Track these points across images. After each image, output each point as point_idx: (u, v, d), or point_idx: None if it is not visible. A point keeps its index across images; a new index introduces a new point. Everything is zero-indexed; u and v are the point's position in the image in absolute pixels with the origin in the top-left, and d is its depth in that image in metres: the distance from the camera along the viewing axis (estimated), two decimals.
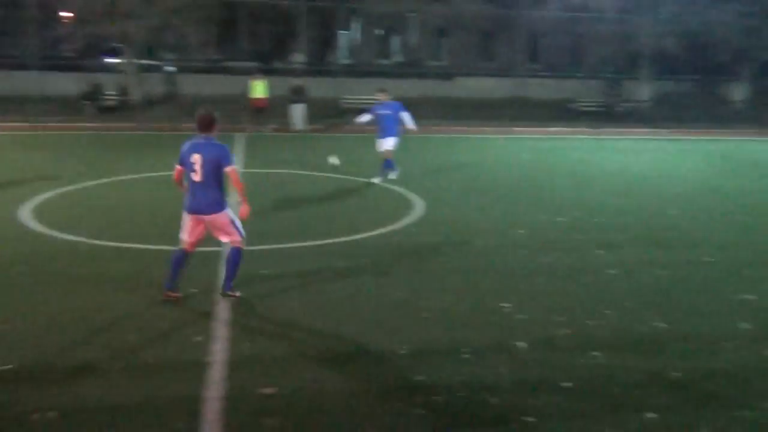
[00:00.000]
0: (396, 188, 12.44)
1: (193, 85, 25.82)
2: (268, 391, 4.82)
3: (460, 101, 27.52)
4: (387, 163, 13.05)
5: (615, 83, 29.25)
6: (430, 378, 5.10)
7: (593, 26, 27.81)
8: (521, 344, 5.77)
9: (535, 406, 4.73)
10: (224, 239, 6.57)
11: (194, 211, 6.35)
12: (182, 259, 6.50)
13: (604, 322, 6.30)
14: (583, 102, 27.02)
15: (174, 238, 6.80)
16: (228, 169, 6.28)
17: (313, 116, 22.39)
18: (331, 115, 23.79)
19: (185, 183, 6.39)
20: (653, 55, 27.61)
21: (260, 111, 21.24)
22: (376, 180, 13.02)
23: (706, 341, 5.90)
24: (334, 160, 13.19)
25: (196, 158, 6.17)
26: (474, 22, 37.98)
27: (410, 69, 32.99)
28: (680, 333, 6.06)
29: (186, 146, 6.32)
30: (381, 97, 13.26)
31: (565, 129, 23.86)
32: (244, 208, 6.54)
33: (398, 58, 40.76)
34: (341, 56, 35.17)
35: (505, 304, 6.67)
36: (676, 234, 9.61)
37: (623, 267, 7.99)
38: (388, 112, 13.06)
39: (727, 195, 12.74)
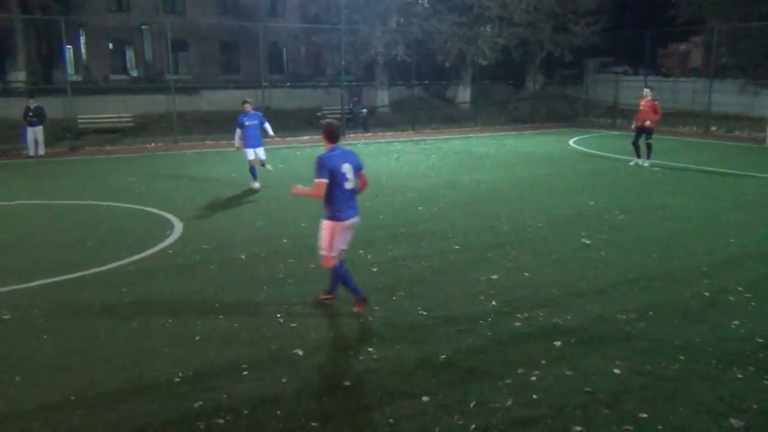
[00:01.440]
0: (150, 209, 11.79)
1: None
2: None
3: (208, 114, 26.91)
4: (252, 170, 14.01)
5: (355, 91, 30.76)
6: (210, 402, 4.93)
7: (329, 36, 28.96)
8: (298, 352, 5.83)
9: (318, 410, 4.81)
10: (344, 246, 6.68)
11: (352, 216, 6.47)
12: (344, 269, 6.61)
13: (372, 318, 6.60)
14: (328, 110, 28.00)
15: None
16: (363, 172, 6.59)
17: (46, 139, 20.33)
18: (69, 137, 21.82)
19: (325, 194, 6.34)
20: (386, 62, 29.54)
21: None
22: (256, 185, 13.96)
23: (464, 322, 6.46)
24: (255, 185, 12.88)
25: (347, 167, 6.30)
26: (213, 34, 37.44)
27: (150, 84, 31.46)
28: (441, 317, 6.57)
29: (327, 159, 6.30)
30: (247, 108, 14.01)
31: (315, 137, 24.52)
32: None
33: (135, 72, 38.69)
34: (69, 73, 32.37)
35: (278, 315, 6.68)
36: (426, 227, 10.39)
37: (384, 263, 8.45)
38: (254, 122, 13.92)
39: (464, 187, 14.09)
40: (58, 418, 4.70)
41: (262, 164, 14.21)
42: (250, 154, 13.92)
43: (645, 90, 17.30)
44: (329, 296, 6.97)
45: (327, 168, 6.28)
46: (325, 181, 6.28)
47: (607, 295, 7.24)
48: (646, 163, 16.75)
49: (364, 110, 27.96)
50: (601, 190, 13.68)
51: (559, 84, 35.57)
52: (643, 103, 16.72)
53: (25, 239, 9.84)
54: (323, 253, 6.55)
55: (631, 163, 17.04)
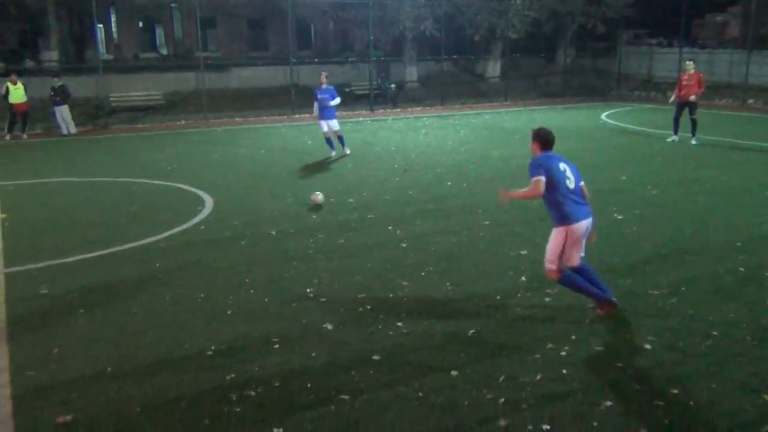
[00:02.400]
0: (183, 186, 11.93)
1: None
2: (65, 419, 4.42)
3: (237, 92, 27.03)
4: (340, 139, 15.17)
5: (384, 66, 30.59)
6: (241, 374, 5.00)
7: (357, 11, 28.76)
8: (328, 326, 5.88)
9: (348, 383, 4.86)
10: (582, 252, 5.95)
11: (586, 217, 5.81)
12: (578, 276, 5.92)
13: (401, 293, 6.62)
14: (357, 86, 27.90)
15: None
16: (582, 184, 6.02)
17: (78, 117, 20.64)
18: (100, 116, 22.10)
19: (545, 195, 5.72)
20: (415, 37, 29.28)
21: (22, 116, 19.08)
22: (333, 154, 14.93)
23: (492, 297, 6.45)
24: (317, 198, 10.50)
25: (563, 166, 5.80)
26: (241, 11, 37.43)
27: (180, 62, 31.65)
28: (470, 293, 6.56)
29: (544, 160, 5.79)
30: (322, 81, 15.09)
31: (344, 113, 24.47)
32: None
33: (165, 50, 38.93)
34: (101, 51, 32.69)
35: (309, 289, 6.74)
36: (455, 202, 10.34)
37: (413, 239, 8.45)
38: (326, 96, 14.84)
39: (494, 162, 13.97)
40: (95, 390, 4.82)
41: (339, 137, 15.11)
42: (323, 126, 14.97)
43: (688, 63, 16.34)
44: (605, 305, 5.94)
45: (542, 168, 5.68)
46: (541, 178, 5.62)
47: (639, 271, 7.15)
48: (693, 141, 15.86)
49: (393, 85, 27.81)
50: (634, 164, 13.45)
51: (591, 57, 34.92)
52: (686, 76, 15.81)
53: (59, 216, 10.04)
54: (546, 264, 5.91)
55: (669, 140, 16.32)
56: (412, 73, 30.46)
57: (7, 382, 4.94)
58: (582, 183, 5.92)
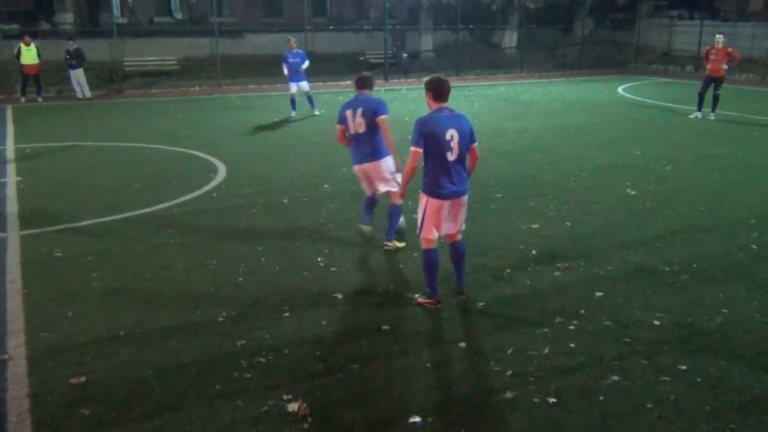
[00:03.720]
0: (196, 153, 11.96)
1: None
2: (79, 380, 4.50)
3: (251, 58, 26.88)
4: (310, 99, 16.38)
5: (399, 35, 30.26)
6: (252, 341, 5.06)
7: None
8: (338, 295, 5.91)
9: (357, 352, 4.90)
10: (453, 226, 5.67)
11: (453, 196, 5.44)
12: (435, 257, 5.63)
13: (411, 264, 6.63)
14: (372, 54, 27.66)
15: None
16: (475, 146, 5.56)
17: (93, 81, 20.64)
18: (114, 80, 22.10)
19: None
20: (431, 6, 28.91)
21: (34, 78, 19.11)
22: (293, 113, 16.11)
23: (502, 270, 6.45)
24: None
25: (451, 134, 5.28)
26: None
27: (194, 27, 31.45)
28: (480, 265, 6.57)
29: (430, 124, 5.29)
30: (292, 44, 16.15)
31: None
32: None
33: (179, 15, 38.65)
34: (115, 15, 32.54)
35: (319, 259, 6.77)
36: None
37: None
38: (297, 59, 16.01)
39: (508, 134, 13.88)
40: (107, 352, 4.90)
41: (309, 99, 16.31)
42: (293, 87, 16.10)
43: (717, 36, 15.69)
44: (431, 300, 5.69)
45: (425, 135, 5.23)
46: (419, 150, 5.26)
47: (651, 247, 7.13)
48: (712, 116, 15.60)
49: (405, 55, 27.53)
50: (650, 139, 13.32)
51: (609, 29, 34.36)
52: (714, 51, 15.27)
53: (74, 180, 10.11)
54: (418, 232, 5.63)
55: (692, 116, 15.94)
56: (427, 42, 30.13)
57: (22, 342, 5.03)
58: (475, 144, 5.40)
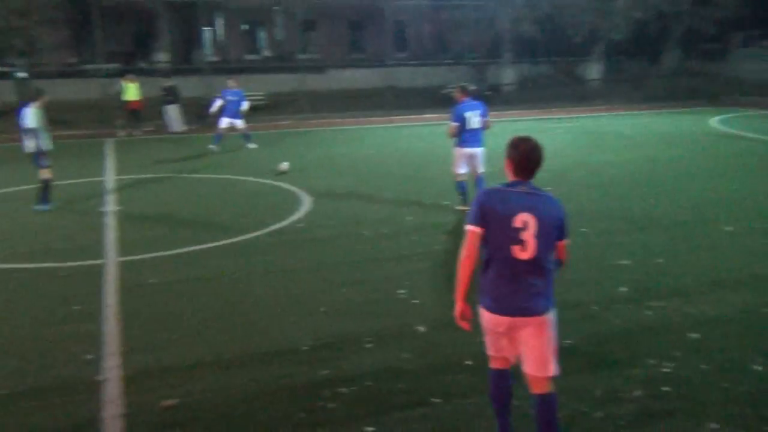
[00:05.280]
0: (281, 184, 12.28)
1: (47, 91, 24.08)
2: (169, 402, 4.64)
3: (334, 93, 27.55)
4: (247, 136, 17.14)
5: (480, 68, 30.34)
6: (335, 371, 5.09)
7: (455, 13, 28.65)
8: (421, 328, 5.88)
9: (440, 387, 4.85)
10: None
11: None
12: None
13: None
14: (453, 88, 27.81)
15: (43, 255, 6.35)
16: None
17: (186, 116, 21.64)
18: (206, 115, 23.07)
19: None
20: (513, 39, 28.87)
21: (135, 113, 20.27)
22: (214, 148, 16.32)
23: (590, 308, 6.26)
24: (283, 166, 13.54)
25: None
26: (341, 13, 38.05)
27: (280, 63, 32.57)
28: (567, 302, 6.38)
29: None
30: (231, 84, 17.09)
31: (441, 115, 24.45)
32: None
33: (267, 52, 40.12)
34: (207, 53, 34.15)
35: (401, 291, 6.77)
36: None
37: None
38: (234, 98, 16.76)
39: (595, 168, 13.57)
40: (197, 377, 5.05)
41: (246, 135, 17.10)
42: (224, 123, 16.72)
43: None
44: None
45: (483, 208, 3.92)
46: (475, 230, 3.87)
47: (750, 287, 6.75)
48: None
49: (489, 93, 27.53)
50: (746, 173, 12.71)
51: (698, 59, 33.28)
52: None
53: (168, 210, 10.56)
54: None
55: None
56: (509, 75, 30.05)
57: (117, 364, 5.24)
58: (565, 242, 4.01)
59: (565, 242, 3.92)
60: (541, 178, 4.00)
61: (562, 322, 5.87)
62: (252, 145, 17.01)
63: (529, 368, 3.84)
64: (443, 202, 10.65)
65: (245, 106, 16.95)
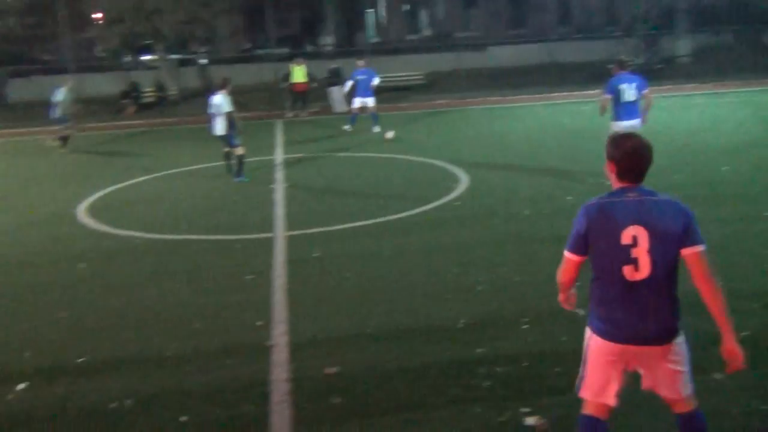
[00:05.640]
0: (438, 163, 12.38)
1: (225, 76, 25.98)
2: (332, 370, 4.89)
3: (494, 71, 27.11)
4: (375, 116, 16.67)
5: (651, 40, 28.45)
6: (491, 350, 5.09)
7: None
8: (580, 311, 5.70)
9: None
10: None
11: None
12: None
13: None
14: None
15: (220, 228, 6.88)
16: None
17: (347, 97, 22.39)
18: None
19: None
20: (689, 7, 26.75)
21: (302, 95, 21.32)
22: (348, 129, 16.68)
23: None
24: (390, 134, 15.07)
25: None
26: None
27: (440, 42, 32.61)
28: (744, 290, 5.91)
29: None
30: (360, 64, 17.28)
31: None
32: None
33: (427, 32, 40.30)
34: (369, 35, 34.96)
35: None
36: (730, 189, 9.34)
37: None
38: (364, 76, 16.90)
39: None
40: (357, 347, 5.28)
41: (373, 115, 16.69)
42: (357, 102, 16.83)
43: None
44: None
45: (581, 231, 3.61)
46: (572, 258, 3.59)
47: None
48: None
49: (659, 66, 25.79)
50: None
51: None
52: None
53: (331, 187, 11.07)
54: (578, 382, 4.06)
55: None
56: (684, 46, 27.92)
57: (285, 332, 5.60)
58: (698, 249, 3.26)
59: (697, 250, 3.19)
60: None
61: (741, 311, 5.47)
62: (377, 128, 16.27)
63: (661, 391, 3.40)
64: (606, 182, 10.17)
65: (376, 81, 17.10)
